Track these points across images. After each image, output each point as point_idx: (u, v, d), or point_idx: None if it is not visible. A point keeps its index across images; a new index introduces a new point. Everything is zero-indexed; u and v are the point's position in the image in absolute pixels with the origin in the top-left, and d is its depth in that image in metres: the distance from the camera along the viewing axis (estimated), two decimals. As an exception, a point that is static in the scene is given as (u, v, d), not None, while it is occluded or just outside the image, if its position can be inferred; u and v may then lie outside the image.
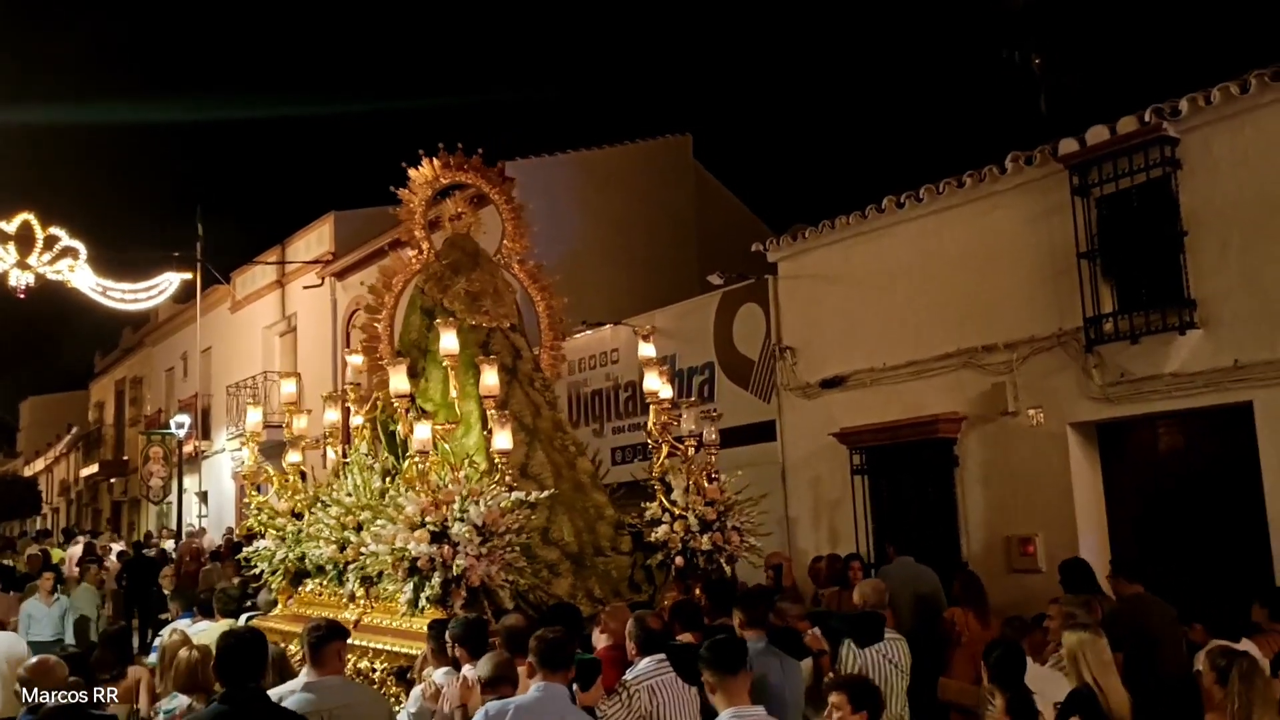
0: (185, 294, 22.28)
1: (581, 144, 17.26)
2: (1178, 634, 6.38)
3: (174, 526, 20.95)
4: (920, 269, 10.22)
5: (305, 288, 21.15)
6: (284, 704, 4.68)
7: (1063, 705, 4.94)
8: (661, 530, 7.43)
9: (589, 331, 14.41)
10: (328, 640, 5.00)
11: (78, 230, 17.30)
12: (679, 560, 7.37)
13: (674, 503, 7.47)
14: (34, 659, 5.61)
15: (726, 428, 12.19)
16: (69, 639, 10.44)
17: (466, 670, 5.22)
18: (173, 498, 23.28)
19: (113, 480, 32.49)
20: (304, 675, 5.06)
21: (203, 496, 24.52)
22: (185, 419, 22.68)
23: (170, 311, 27.49)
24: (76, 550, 18.06)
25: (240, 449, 9.27)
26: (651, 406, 7.86)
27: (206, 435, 24.47)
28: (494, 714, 4.54)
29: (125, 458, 31.78)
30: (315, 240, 21.41)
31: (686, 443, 7.64)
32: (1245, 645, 5.96)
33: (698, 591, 7.06)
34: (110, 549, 18.51)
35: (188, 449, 23.41)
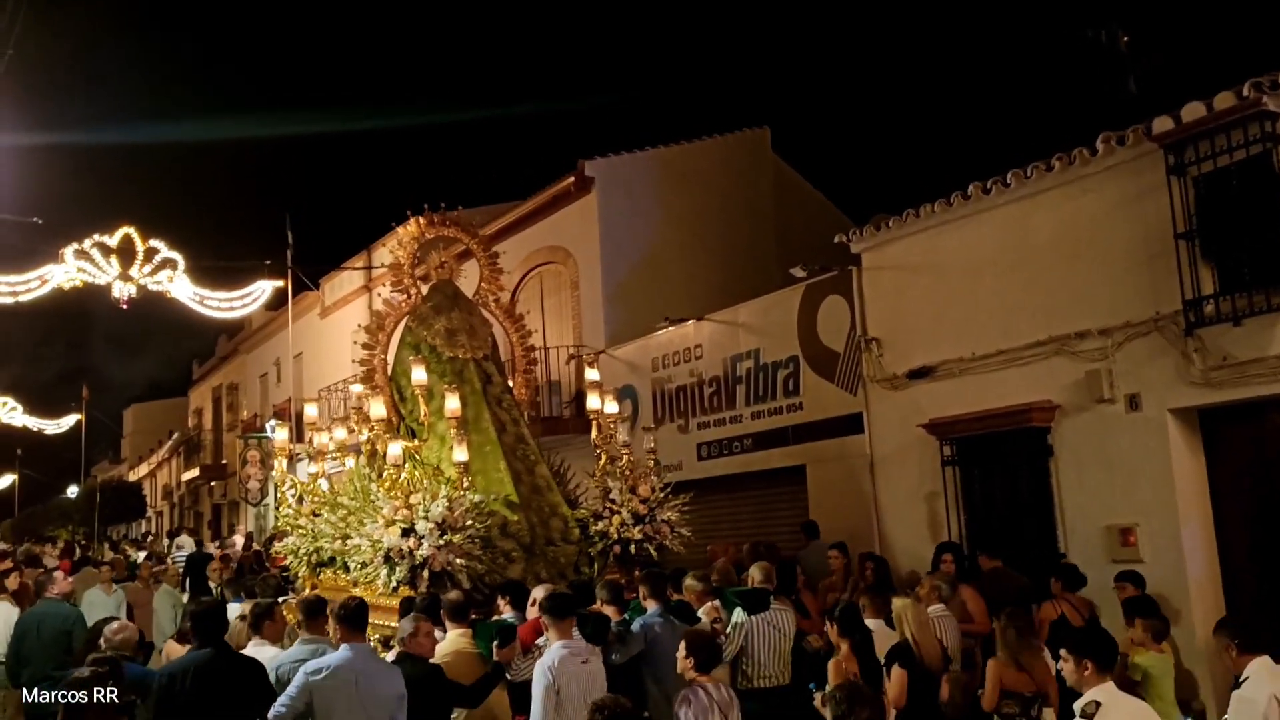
0: (277, 301, 22.84)
1: (661, 141, 17.27)
2: (1025, 599, 8.11)
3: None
4: (1009, 256, 10.03)
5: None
6: (325, 658, 5.70)
7: (886, 655, 6.36)
8: (602, 524, 8.93)
9: (671, 328, 14.40)
10: (360, 614, 5.89)
11: (175, 242, 17.79)
12: (616, 548, 8.83)
13: (613, 501, 8.93)
14: (115, 623, 6.97)
15: (812, 421, 12.23)
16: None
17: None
18: (270, 499, 23.95)
19: (213, 483, 33.55)
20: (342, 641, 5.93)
21: (299, 499, 25.13)
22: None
23: (263, 319, 28.26)
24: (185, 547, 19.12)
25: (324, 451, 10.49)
26: (594, 422, 9.50)
27: (300, 438, 25.06)
28: (310, 670, 5.52)
29: (224, 462, 32.79)
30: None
31: (623, 450, 9.25)
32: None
33: (636, 573, 8.22)
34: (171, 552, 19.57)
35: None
